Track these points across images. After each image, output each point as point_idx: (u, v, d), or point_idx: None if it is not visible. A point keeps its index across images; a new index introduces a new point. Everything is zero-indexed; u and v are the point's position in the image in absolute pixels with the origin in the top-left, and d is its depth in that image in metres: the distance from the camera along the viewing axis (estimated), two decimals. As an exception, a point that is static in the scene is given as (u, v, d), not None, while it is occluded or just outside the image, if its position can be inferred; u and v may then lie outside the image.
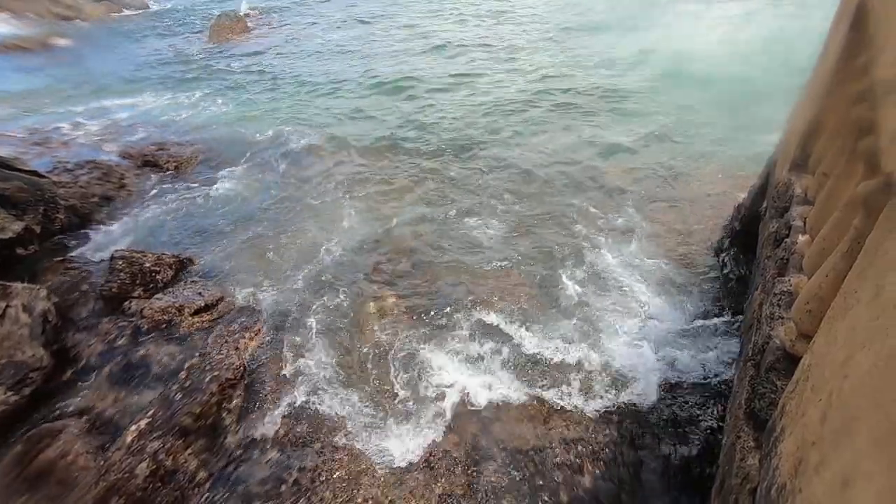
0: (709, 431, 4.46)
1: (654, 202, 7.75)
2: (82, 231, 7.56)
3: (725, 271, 6.16)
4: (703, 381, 4.95)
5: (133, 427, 4.58)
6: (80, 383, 5.27)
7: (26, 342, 5.19)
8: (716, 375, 4.98)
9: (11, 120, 12.03)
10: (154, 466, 4.27)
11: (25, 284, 5.70)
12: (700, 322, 5.59)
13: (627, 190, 8.09)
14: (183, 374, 5.12)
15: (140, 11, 23.38)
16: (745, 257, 5.87)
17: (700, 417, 4.60)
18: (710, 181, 8.12)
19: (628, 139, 9.72)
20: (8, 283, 5.53)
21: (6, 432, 4.62)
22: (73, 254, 7.02)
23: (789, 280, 3.31)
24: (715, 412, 4.61)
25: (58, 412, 4.96)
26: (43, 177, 7.58)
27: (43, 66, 16.61)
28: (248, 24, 20.21)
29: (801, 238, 3.63)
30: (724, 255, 6.37)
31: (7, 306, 5.25)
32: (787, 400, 2.46)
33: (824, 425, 1.92)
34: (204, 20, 21.03)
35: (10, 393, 4.80)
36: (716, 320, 5.56)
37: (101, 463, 4.30)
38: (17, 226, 6.56)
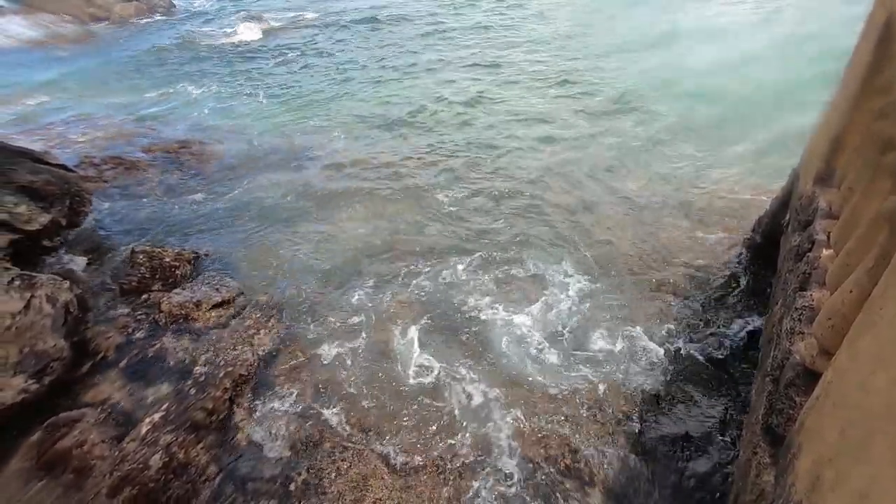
0: (723, 447, 4.38)
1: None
2: (105, 225, 7.73)
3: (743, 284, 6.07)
4: (718, 394, 4.87)
5: (147, 419, 4.66)
6: (97, 374, 5.36)
7: (48, 332, 5.30)
8: (732, 388, 4.89)
9: (44, 114, 12.37)
10: (167, 459, 4.34)
11: (50, 275, 5.84)
12: (715, 331, 5.50)
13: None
14: (197, 369, 5.20)
15: (167, 13, 23.93)
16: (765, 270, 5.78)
17: (715, 432, 4.52)
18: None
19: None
20: (33, 274, 5.67)
21: (26, 419, 4.72)
22: (95, 247, 7.18)
23: (811, 295, 3.24)
24: (730, 427, 4.52)
25: (76, 402, 5.06)
26: (70, 171, 7.76)
27: (76, 62, 17.08)
28: (273, 26, 20.56)
29: (825, 252, 3.56)
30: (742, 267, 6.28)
31: (32, 296, 5.37)
32: (805, 416, 2.40)
33: (842, 442, 1.88)
34: (229, 21, 21.46)
35: (31, 381, 4.91)
36: (732, 330, 5.48)
37: (116, 453, 4.38)
38: (44, 218, 6.72)
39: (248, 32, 19.66)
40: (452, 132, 10.89)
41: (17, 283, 5.39)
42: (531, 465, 4.38)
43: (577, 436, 4.59)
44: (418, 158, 9.85)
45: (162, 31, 20.91)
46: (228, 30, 20.36)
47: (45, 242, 6.78)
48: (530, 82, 13.45)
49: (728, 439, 4.44)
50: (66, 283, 5.84)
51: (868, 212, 2.95)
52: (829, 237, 3.72)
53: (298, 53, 17.35)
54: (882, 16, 3.86)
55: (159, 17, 23.44)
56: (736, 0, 18.35)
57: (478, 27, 18.78)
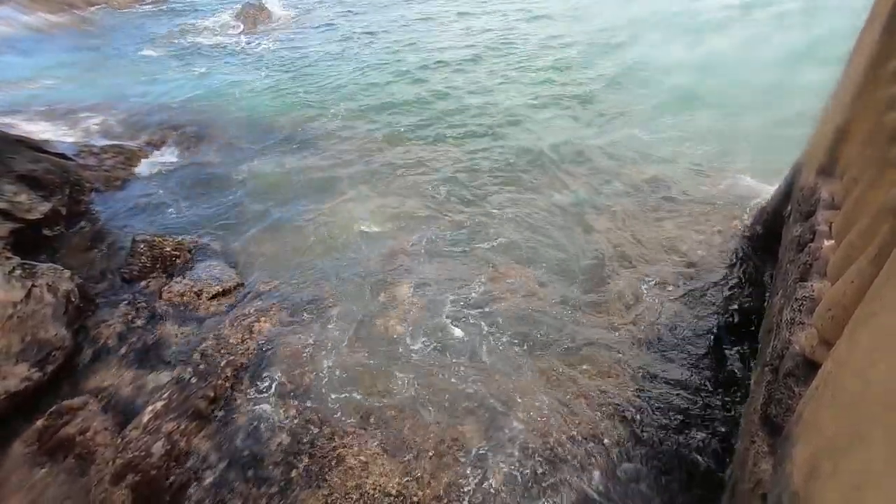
0: (722, 436, 4.40)
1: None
2: (105, 214, 7.72)
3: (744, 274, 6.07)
4: (717, 384, 4.89)
5: (149, 408, 4.69)
6: (99, 363, 5.39)
7: (50, 321, 5.32)
8: (731, 378, 4.91)
9: (42, 101, 12.31)
10: (169, 447, 4.38)
11: (50, 265, 5.85)
12: (715, 322, 5.52)
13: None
14: (198, 358, 5.23)
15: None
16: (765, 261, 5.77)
17: (713, 421, 4.55)
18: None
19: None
20: (34, 263, 5.68)
21: (30, 407, 4.76)
22: (96, 236, 7.17)
23: (812, 285, 3.24)
24: (730, 416, 4.55)
25: (78, 390, 5.09)
26: (69, 159, 7.76)
27: (73, 49, 16.95)
28: (272, 13, 20.38)
29: (827, 243, 3.55)
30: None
31: (33, 286, 5.39)
32: (804, 406, 2.41)
33: (840, 433, 1.89)
34: (229, 8, 21.26)
35: (34, 370, 4.94)
36: (732, 320, 5.49)
37: (119, 441, 4.42)
38: (45, 207, 6.72)
39: (248, 19, 19.49)
40: (456, 119, 10.84)
41: (17, 272, 5.40)
42: (531, 453, 4.40)
43: (577, 424, 4.61)
44: (420, 143, 9.84)
45: (160, 18, 20.74)
46: (228, 16, 20.19)
47: (46, 231, 6.79)
48: (537, 73, 13.32)
49: (726, 428, 4.46)
50: (67, 273, 5.85)
51: (872, 203, 2.93)
52: (830, 228, 3.71)
53: (301, 41, 17.21)
54: (888, 2, 3.81)
55: (157, 5, 23.21)
56: None
57: (492, 18, 18.49)
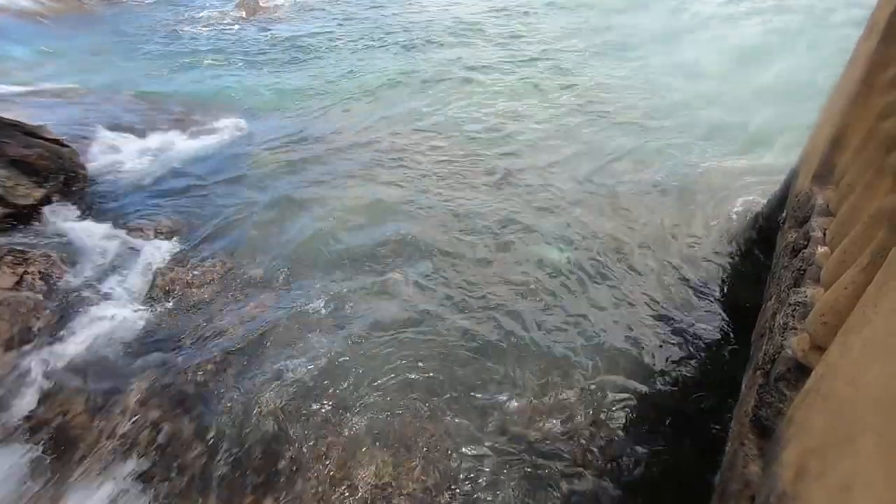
0: (713, 437, 4.43)
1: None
2: (100, 200, 7.66)
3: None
4: (708, 385, 4.91)
5: (135, 392, 4.71)
6: (90, 351, 5.34)
7: (41, 309, 5.29)
8: (721, 380, 4.93)
9: (38, 86, 12.17)
10: (155, 433, 4.38)
11: (43, 252, 5.81)
12: (708, 324, 5.54)
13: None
14: (187, 342, 5.25)
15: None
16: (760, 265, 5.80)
17: (704, 422, 4.57)
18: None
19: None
20: (26, 250, 5.64)
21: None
22: (90, 223, 7.10)
23: (805, 291, 3.26)
24: (720, 418, 4.57)
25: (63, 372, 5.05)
26: (65, 145, 7.68)
27: (70, 35, 16.77)
28: (271, 2, 20.25)
29: (821, 249, 3.57)
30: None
31: (24, 273, 5.36)
32: (794, 410, 2.43)
33: (829, 435, 1.90)
34: (229, -1, 21.15)
35: (23, 356, 4.91)
36: (725, 323, 5.52)
37: (103, 423, 4.41)
38: (38, 193, 6.67)
39: (248, 9, 19.38)
40: (455, 113, 10.84)
41: (9, 258, 5.37)
42: (521, 448, 4.41)
43: (568, 420, 4.62)
44: (417, 136, 9.84)
45: (159, 6, 20.56)
46: (227, 6, 20.06)
47: (39, 218, 6.73)
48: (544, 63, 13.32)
49: (716, 431, 4.48)
50: (60, 260, 5.81)
51: (867, 209, 2.95)
52: (825, 234, 3.73)
53: (300, 30, 17.10)
54: (889, 8, 3.83)
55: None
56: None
57: (499, 21, 18.41)
